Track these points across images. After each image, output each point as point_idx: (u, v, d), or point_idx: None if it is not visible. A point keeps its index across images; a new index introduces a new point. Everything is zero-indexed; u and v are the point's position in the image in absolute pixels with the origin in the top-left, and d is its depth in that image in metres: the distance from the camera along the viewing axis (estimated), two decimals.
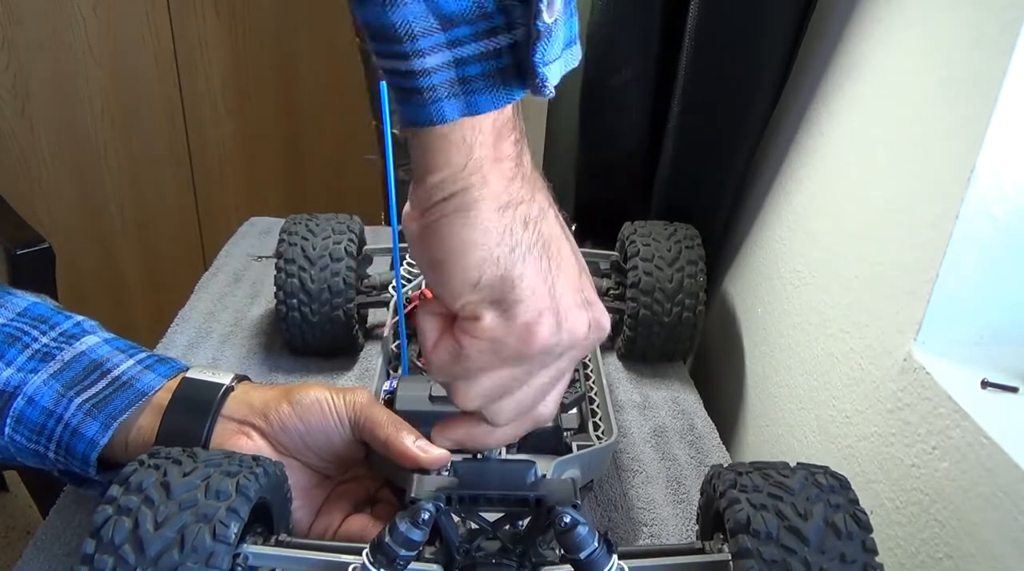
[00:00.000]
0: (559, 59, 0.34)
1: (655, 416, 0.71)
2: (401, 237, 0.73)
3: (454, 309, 0.37)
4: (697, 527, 0.48)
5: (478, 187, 0.35)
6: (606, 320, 0.40)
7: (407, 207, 0.37)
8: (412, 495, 0.39)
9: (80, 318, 0.52)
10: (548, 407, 0.41)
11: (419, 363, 0.65)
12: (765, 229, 0.79)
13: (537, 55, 0.32)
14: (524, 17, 0.32)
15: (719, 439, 0.70)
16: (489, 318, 0.36)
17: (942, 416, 0.48)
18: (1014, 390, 0.47)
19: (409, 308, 0.67)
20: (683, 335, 0.74)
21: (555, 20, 0.32)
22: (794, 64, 0.74)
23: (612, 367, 0.78)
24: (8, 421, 0.48)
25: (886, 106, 0.59)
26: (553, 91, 0.34)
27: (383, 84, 0.59)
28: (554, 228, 0.38)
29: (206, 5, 1.64)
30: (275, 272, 0.71)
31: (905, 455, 0.51)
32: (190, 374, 0.51)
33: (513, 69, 0.33)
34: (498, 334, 0.36)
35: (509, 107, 0.35)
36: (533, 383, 0.39)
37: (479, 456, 0.44)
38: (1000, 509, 0.42)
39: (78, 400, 0.48)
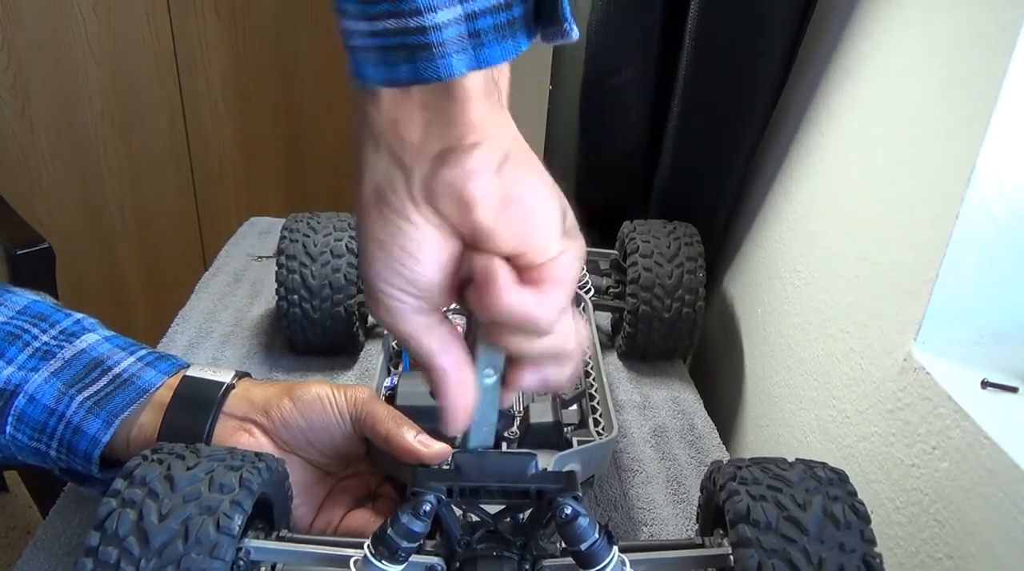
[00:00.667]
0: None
1: (655, 416, 0.71)
2: None
3: (551, 253, 0.36)
4: (697, 526, 0.48)
5: (515, 135, 0.36)
6: None
7: (463, 178, 0.34)
8: (413, 487, 0.39)
9: (80, 316, 0.53)
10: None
11: None
12: (765, 229, 0.79)
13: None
14: None
15: (719, 439, 0.70)
16: (574, 245, 0.37)
17: (942, 416, 0.48)
18: (1014, 390, 0.47)
19: None
20: (683, 332, 0.74)
21: None
22: (794, 64, 0.74)
23: (612, 367, 0.78)
24: (9, 420, 0.48)
25: (886, 106, 0.59)
26: (578, 33, 0.34)
27: None
28: None
29: (206, 5, 1.64)
30: (276, 268, 0.71)
31: (905, 455, 0.51)
32: (191, 372, 0.51)
33: (521, 19, 0.33)
34: (581, 253, 0.38)
35: None
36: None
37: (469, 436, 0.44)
38: (1000, 509, 0.42)
39: (79, 398, 0.48)
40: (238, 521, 0.36)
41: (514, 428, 0.54)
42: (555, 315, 0.37)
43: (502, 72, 0.35)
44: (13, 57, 1.53)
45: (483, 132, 0.34)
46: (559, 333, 0.38)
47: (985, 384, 0.48)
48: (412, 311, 0.37)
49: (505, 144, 0.35)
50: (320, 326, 0.71)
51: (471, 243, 0.36)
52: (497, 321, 0.37)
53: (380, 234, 0.35)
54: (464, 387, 0.39)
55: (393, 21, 0.32)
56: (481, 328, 0.39)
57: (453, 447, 0.46)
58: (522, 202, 0.35)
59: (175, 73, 1.67)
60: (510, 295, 0.35)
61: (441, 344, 0.38)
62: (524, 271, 0.36)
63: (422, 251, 0.35)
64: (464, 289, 0.37)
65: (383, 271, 0.36)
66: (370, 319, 0.82)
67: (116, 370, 0.49)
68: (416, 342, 0.38)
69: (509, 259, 0.36)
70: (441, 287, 0.37)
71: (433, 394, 0.40)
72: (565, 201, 0.37)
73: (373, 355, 0.77)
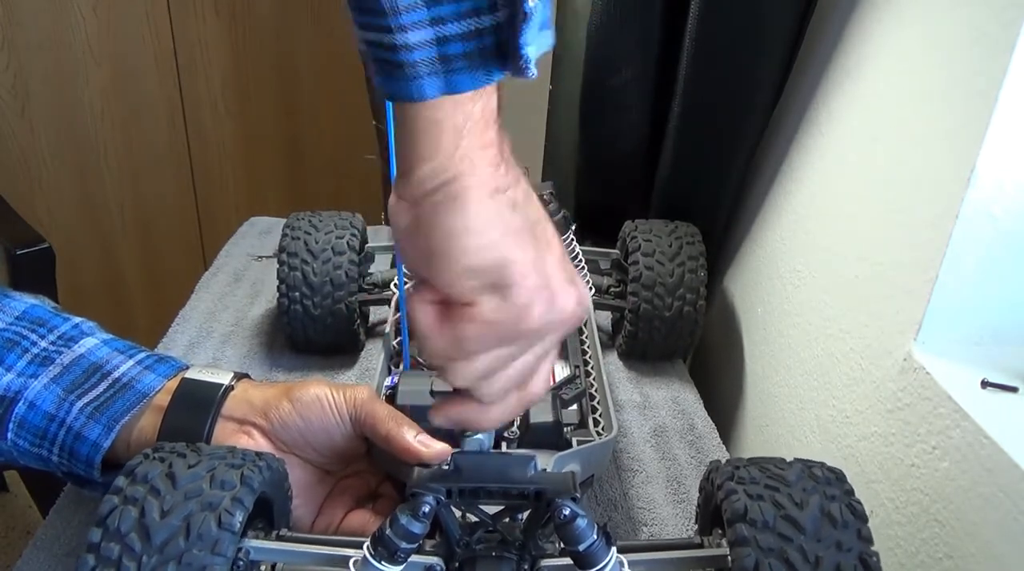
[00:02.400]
0: (536, 42, 0.34)
1: (655, 416, 0.71)
2: None
3: (450, 296, 0.37)
4: (696, 525, 0.48)
5: (468, 174, 0.35)
6: (588, 295, 0.42)
7: (392, 200, 0.37)
8: (412, 488, 0.39)
9: (78, 320, 0.52)
10: (539, 384, 0.42)
11: (421, 359, 0.65)
12: (765, 229, 0.79)
13: (522, 37, 0.33)
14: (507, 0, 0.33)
15: (719, 439, 0.70)
16: (486, 302, 0.37)
17: (942, 416, 0.48)
18: (1014, 390, 0.47)
19: None
20: (684, 331, 0.74)
21: (536, 3, 0.32)
22: (794, 64, 0.74)
23: (613, 366, 0.78)
24: (10, 426, 0.48)
25: (886, 106, 0.59)
26: (536, 72, 0.34)
27: None
28: (538, 210, 0.39)
29: (206, 5, 1.64)
30: (278, 266, 0.71)
31: (905, 455, 0.51)
32: (189, 374, 0.51)
33: (493, 50, 0.33)
34: (495, 317, 0.37)
35: (494, 94, 0.35)
36: (525, 359, 0.40)
37: (465, 436, 0.45)
38: (1000, 509, 0.42)
39: (79, 404, 0.48)
40: (239, 517, 0.36)
41: (514, 428, 0.54)
42: (459, 354, 0.38)
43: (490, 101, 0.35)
44: (13, 57, 1.53)
45: (425, 162, 0.35)
46: (472, 378, 0.39)
47: (985, 384, 0.48)
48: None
49: (442, 178, 0.35)
50: (321, 323, 0.71)
51: None
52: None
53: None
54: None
55: (373, 34, 0.32)
56: None
57: (453, 447, 0.46)
58: (428, 236, 0.36)
59: (175, 73, 1.67)
60: (415, 309, 0.38)
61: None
62: (451, 310, 0.38)
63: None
64: None
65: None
66: (371, 318, 0.82)
67: (115, 375, 0.49)
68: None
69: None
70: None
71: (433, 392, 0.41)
72: (505, 256, 0.36)
73: (374, 354, 0.77)
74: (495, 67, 0.34)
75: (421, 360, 0.65)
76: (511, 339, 0.38)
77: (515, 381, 0.40)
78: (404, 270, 0.74)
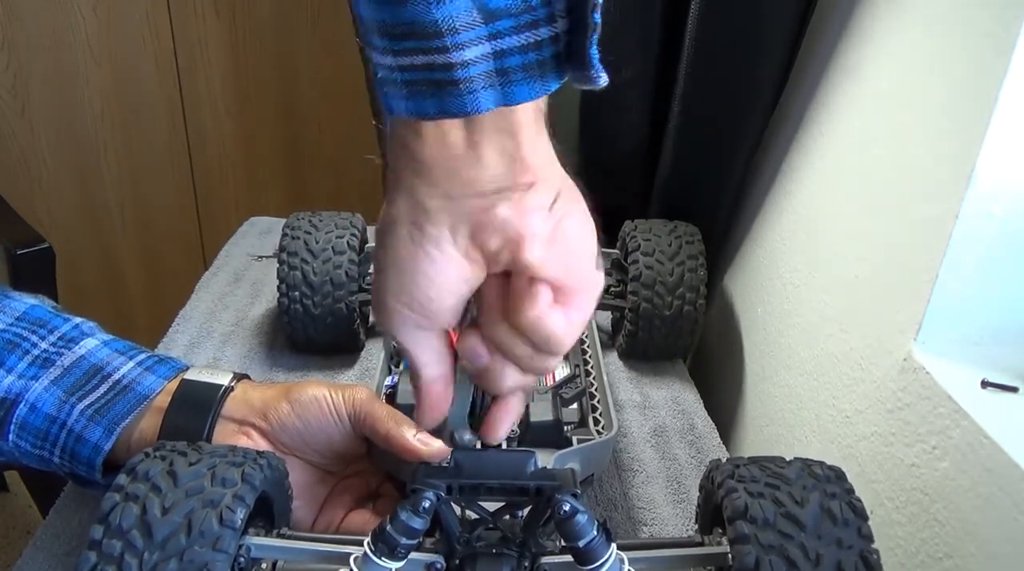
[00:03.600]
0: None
1: (655, 416, 0.71)
2: None
3: (590, 282, 0.39)
4: (696, 525, 0.48)
5: (563, 173, 0.37)
6: None
7: (521, 217, 0.36)
8: (412, 485, 0.39)
9: (79, 320, 0.52)
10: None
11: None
12: (765, 229, 0.79)
13: (592, 48, 0.33)
14: (566, 9, 0.33)
15: (719, 439, 0.70)
16: (601, 279, 0.40)
17: (942, 416, 0.48)
18: (1014, 390, 0.47)
19: None
20: (684, 330, 0.74)
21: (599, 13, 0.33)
22: (794, 64, 0.74)
23: (613, 366, 0.78)
24: (12, 428, 0.48)
25: (886, 106, 0.59)
26: (607, 79, 0.35)
27: None
28: None
29: (206, 5, 1.64)
30: (278, 265, 0.71)
31: (905, 455, 0.51)
32: (189, 375, 0.51)
33: (552, 60, 0.33)
34: (601, 288, 0.40)
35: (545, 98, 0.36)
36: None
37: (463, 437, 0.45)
38: (1000, 509, 0.42)
39: (80, 406, 0.48)
40: (241, 514, 0.36)
41: (514, 426, 0.54)
42: (572, 340, 0.39)
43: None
44: (13, 57, 1.53)
45: (537, 172, 0.35)
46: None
47: (985, 384, 0.48)
48: (415, 327, 0.39)
49: (556, 182, 0.36)
50: (321, 323, 0.71)
51: (512, 270, 0.38)
52: (522, 332, 0.39)
53: (404, 256, 0.36)
54: (441, 398, 0.43)
55: (421, 57, 0.32)
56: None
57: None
58: (568, 239, 0.37)
59: (175, 73, 1.67)
60: (548, 315, 0.38)
61: (431, 358, 0.41)
62: (556, 294, 0.38)
63: (442, 278, 0.37)
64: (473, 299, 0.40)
65: (398, 291, 0.37)
66: (371, 318, 0.82)
67: (116, 376, 0.49)
68: (411, 352, 0.40)
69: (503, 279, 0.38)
70: (451, 311, 0.38)
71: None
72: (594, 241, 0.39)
73: (374, 354, 0.77)
74: (552, 76, 0.34)
75: None
76: None
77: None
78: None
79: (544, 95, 0.34)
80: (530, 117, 0.34)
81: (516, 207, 0.35)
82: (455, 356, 0.42)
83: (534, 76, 0.33)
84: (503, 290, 0.39)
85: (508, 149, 0.34)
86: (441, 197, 0.35)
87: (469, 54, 0.32)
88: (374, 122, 1.05)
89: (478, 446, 0.46)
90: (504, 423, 0.44)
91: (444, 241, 0.36)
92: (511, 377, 0.41)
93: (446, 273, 0.37)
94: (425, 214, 0.36)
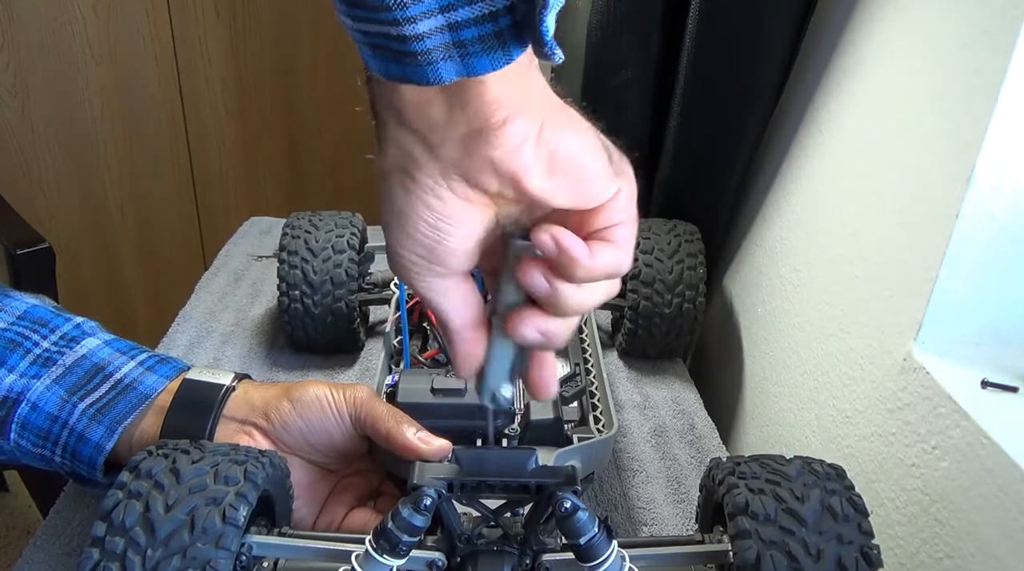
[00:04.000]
0: (556, 5, 0.33)
1: (655, 416, 0.71)
2: None
3: (604, 198, 0.38)
4: (696, 525, 0.48)
5: (542, 90, 0.35)
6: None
7: (508, 154, 0.35)
8: (413, 482, 0.39)
9: (80, 320, 0.53)
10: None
11: (420, 358, 0.65)
12: (765, 229, 0.79)
13: (543, 24, 0.32)
14: None
15: (719, 439, 0.70)
16: (625, 185, 0.38)
17: (942, 416, 0.48)
18: (1014, 390, 0.47)
19: (411, 303, 0.67)
20: (683, 328, 0.74)
21: None
22: (794, 64, 0.74)
23: (612, 366, 0.78)
24: (13, 427, 0.48)
25: (886, 106, 0.59)
26: (562, 56, 0.33)
27: None
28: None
29: (206, 5, 1.64)
30: (278, 264, 0.71)
31: (905, 455, 0.51)
32: (191, 375, 0.51)
33: (511, 30, 0.32)
34: (633, 192, 0.39)
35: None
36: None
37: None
38: (1000, 509, 0.42)
39: (82, 405, 0.48)
40: (243, 512, 0.37)
41: (515, 425, 0.54)
42: (629, 257, 0.39)
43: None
44: (13, 57, 1.53)
45: (511, 105, 0.34)
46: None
47: (985, 384, 0.48)
48: (431, 275, 0.37)
49: (537, 112, 0.35)
50: (321, 322, 0.72)
51: (528, 206, 0.37)
52: (583, 277, 0.37)
53: (402, 205, 0.36)
54: (474, 345, 0.40)
55: (375, 26, 0.31)
56: (510, 275, 0.39)
57: (453, 442, 0.46)
58: (569, 159, 0.35)
59: (175, 73, 1.67)
60: (589, 258, 0.37)
61: (454, 304, 0.39)
62: (588, 219, 0.37)
63: (443, 224, 0.36)
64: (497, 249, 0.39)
65: (404, 239, 0.36)
66: (371, 318, 0.82)
67: (117, 376, 0.49)
68: (431, 301, 0.39)
69: (568, 213, 0.37)
70: (464, 255, 0.37)
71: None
72: (605, 140, 0.38)
73: (374, 353, 0.77)
74: (514, 46, 0.33)
75: (421, 358, 0.65)
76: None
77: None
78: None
79: (506, 64, 0.33)
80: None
81: (498, 145, 0.34)
82: (484, 302, 0.40)
83: (494, 47, 0.32)
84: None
85: (470, 94, 0.33)
86: (423, 145, 0.35)
87: (422, 27, 0.31)
88: (374, 122, 1.05)
89: (519, 405, 0.44)
90: (552, 377, 0.42)
91: (438, 187, 0.35)
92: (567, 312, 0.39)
93: (447, 218, 0.36)
94: (414, 163, 0.35)
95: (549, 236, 0.36)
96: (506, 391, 0.41)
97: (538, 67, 0.35)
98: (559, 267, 0.37)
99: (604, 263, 0.37)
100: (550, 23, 0.32)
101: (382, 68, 0.33)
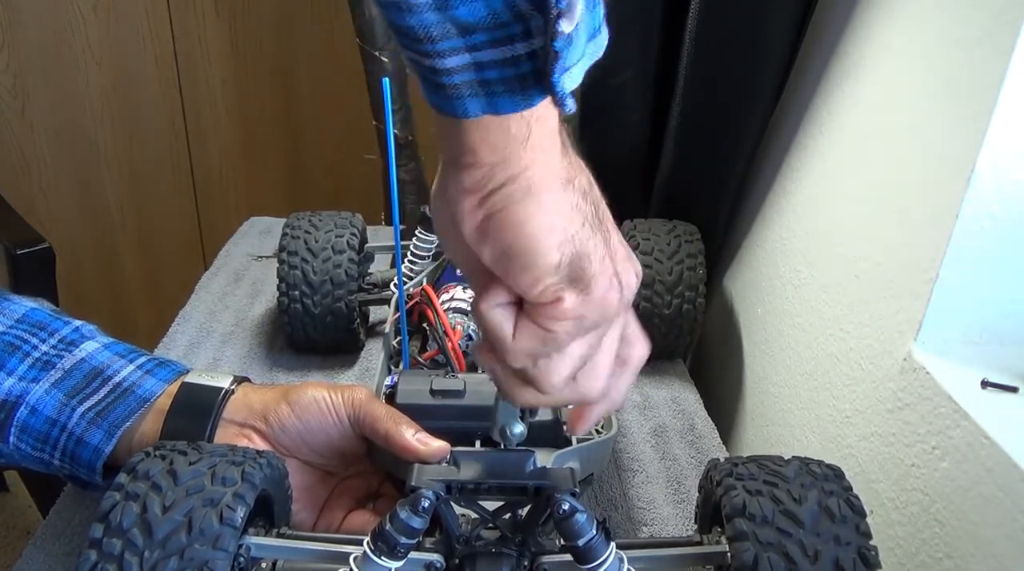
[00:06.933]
0: (581, 59, 0.34)
1: (655, 416, 0.71)
2: (405, 235, 0.73)
3: (531, 295, 0.36)
4: (695, 525, 0.48)
5: (540, 165, 0.34)
6: (639, 265, 0.41)
7: (450, 201, 0.35)
8: (412, 484, 0.39)
9: (79, 323, 0.52)
10: (638, 353, 0.41)
11: (420, 358, 0.65)
12: (765, 228, 0.79)
13: (556, 74, 0.32)
14: (542, 27, 0.31)
15: (719, 439, 0.70)
16: (571, 297, 0.36)
17: (942, 416, 0.48)
18: (1014, 390, 0.47)
19: (410, 304, 0.67)
20: (683, 329, 0.74)
21: (576, 25, 0.31)
22: (794, 64, 0.74)
23: None
24: (12, 431, 0.48)
25: (886, 106, 0.59)
26: (574, 107, 0.34)
27: (385, 82, 0.59)
28: (598, 192, 0.38)
29: (206, 5, 1.64)
30: (278, 264, 0.71)
31: (905, 455, 0.51)
32: (189, 378, 0.51)
33: (532, 76, 0.33)
34: (581, 311, 0.36)
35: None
36: (606, 345, 0.39)
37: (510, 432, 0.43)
38: (1000, 509, 0.42)
39: (81, 409, 0.48)
40: (241, 513, 0.36)
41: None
42: (551, 351, 0.37)
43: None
44: (13, 57, 1.53)
45: (483, 156, 0.34)
46: (567, 374, 0.38)
47: (985, 384, 0.48)
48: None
49: (509, 168, 0.34)
50: (320, 322, 0.72)
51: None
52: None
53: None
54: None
55: (417, 56, 0.32)
56: None
57: (452, 444, 0.46)
58: (504, 230, 0.34)
59: (175, 73, 1.67)
60: (492, 317, 0.36)
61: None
62: (529, 308, 0.36)
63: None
64: None
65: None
66: (371, 318, 0.82)
67: (116, 379, 0.49)
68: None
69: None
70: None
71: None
72: (584, 249, 0.36)
73: (374, 354, 0.77)
74: (535, 92, 0.33)
75: (420, 359, 0.65)
76: (593, 328, 0.37)
77: (608, 366, 0.39)
78: (403, 270, 0.74)
79: (529, 109, 0.33)
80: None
81: (453, 183, 0.35)
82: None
83: (515, 90, 0.33)
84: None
85: (452, 131, 0.34)
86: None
87: (450, 63, 0.32)
88: (374, 122, 1.05)
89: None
90: (588, 420, 0.42)
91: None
92: (515, 389, 0.39)
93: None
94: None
95: (481, 304, 0.36)
96: (516, 428, 0.42)
97: (557, 133, 0.35)
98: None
99: (522, 347, 0.36)
100: (566, 82, 0.32)
101: (425, 94, 0.34)
